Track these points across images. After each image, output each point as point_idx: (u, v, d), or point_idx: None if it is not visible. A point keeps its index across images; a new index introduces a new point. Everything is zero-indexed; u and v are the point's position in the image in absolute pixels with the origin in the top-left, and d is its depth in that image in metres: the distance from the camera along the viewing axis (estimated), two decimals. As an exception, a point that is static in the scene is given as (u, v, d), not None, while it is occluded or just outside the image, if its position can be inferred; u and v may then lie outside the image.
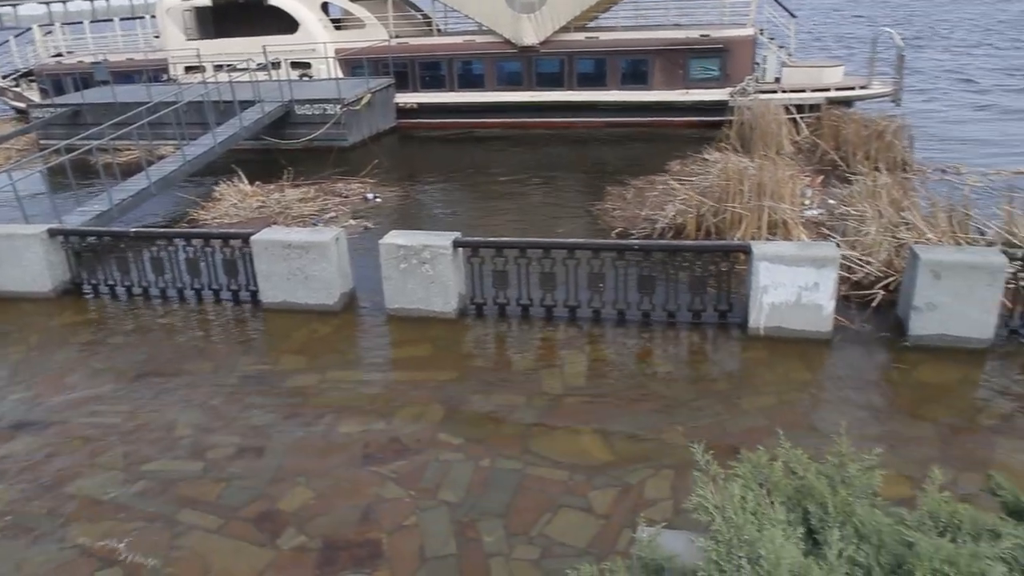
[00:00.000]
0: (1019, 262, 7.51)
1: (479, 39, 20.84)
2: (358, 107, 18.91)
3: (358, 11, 22.00)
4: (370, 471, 6.27)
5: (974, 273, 7.27)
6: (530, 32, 19.80)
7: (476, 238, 9.10)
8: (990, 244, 8.64)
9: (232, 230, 11.17)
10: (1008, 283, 7.52)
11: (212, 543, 5.55)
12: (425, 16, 23.99)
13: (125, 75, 22.79)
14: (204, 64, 21.06)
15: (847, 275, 8.55)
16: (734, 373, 7.63)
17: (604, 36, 20.48)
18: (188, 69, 22.15)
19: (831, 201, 11.53)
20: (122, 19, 30.86)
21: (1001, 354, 7.48)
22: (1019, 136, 17.73)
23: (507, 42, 20.18)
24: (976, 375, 7.22)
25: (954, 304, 7.36)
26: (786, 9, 20.62)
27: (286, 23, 21.53)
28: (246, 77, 19.07)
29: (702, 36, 19.34)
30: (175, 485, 6.21)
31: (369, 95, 19.40)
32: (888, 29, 20.04)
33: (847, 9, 58.85)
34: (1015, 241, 8.79)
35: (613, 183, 14.33)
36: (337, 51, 21.51)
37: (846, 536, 2.87)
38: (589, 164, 17.82)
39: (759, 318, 7.88)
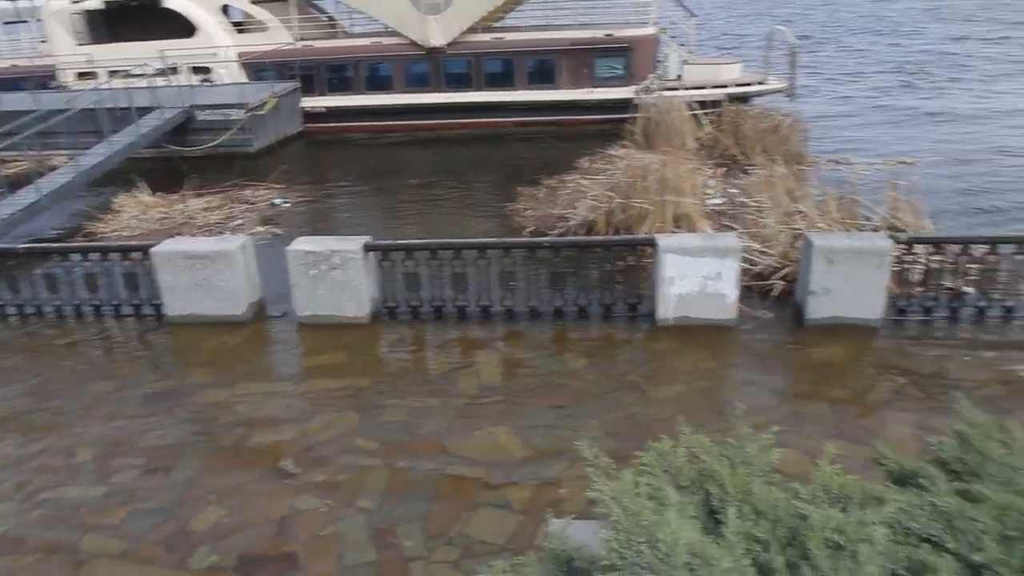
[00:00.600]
0: (903, 245, 7.95)
1: (386, 41, 20.68)
2: (263, 111, 18.49)
3: (260, 14, 21.49)
4: (285, 483, 6.15)
5: (863, 257, 7.67)
6: (437, 33, 19.76)
7: (386, 241, 9.03)
8: (877, 229, 9.12)
9: (132, 243, 10.75)
10: (894, 265, 7.96)
11: (119, 570, 5.34)
12: (330, 18, 23.64)
13: (9, 82, 21.61)
14: (97, 70, 20.17)
15: (749, 267, 8.87)
16: (645, 364, 7.83)
17: (511, 36, 20.64)
18: (81, 75, 21.18)
19: (733, 191, 11.94)
20: (5, 23, 29.21)
21: (890, 332, 7.92)
22: (903, 128, 18.75)
23: (414, 44, 20.08)
24: (868, 353, 7.62)
25: (846, 287, 7.74)
26: (686, 8, 21.23)
27: (184, 27, 20.85)
28: (144, 83, 18.38)
29: (607, 36, 19.71)
30: (77, 512, 5.95)
31: (274, 99, 18.99)
32: (781, 27, 20.84)
33: (745, 8, 60.95)
34: (899, 225, 9.32)
35: (525, 183, 14.44)
36: (240, 55, 20.96)
37: (744, 513, 2.99)
38: (500, 164, 17.92)
39: (667, 309, 8.10)
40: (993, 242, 7.86)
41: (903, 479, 3.42)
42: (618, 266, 8.50)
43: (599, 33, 19.87)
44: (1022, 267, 7.86)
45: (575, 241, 8.76)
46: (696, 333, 8.01)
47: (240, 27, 22.15)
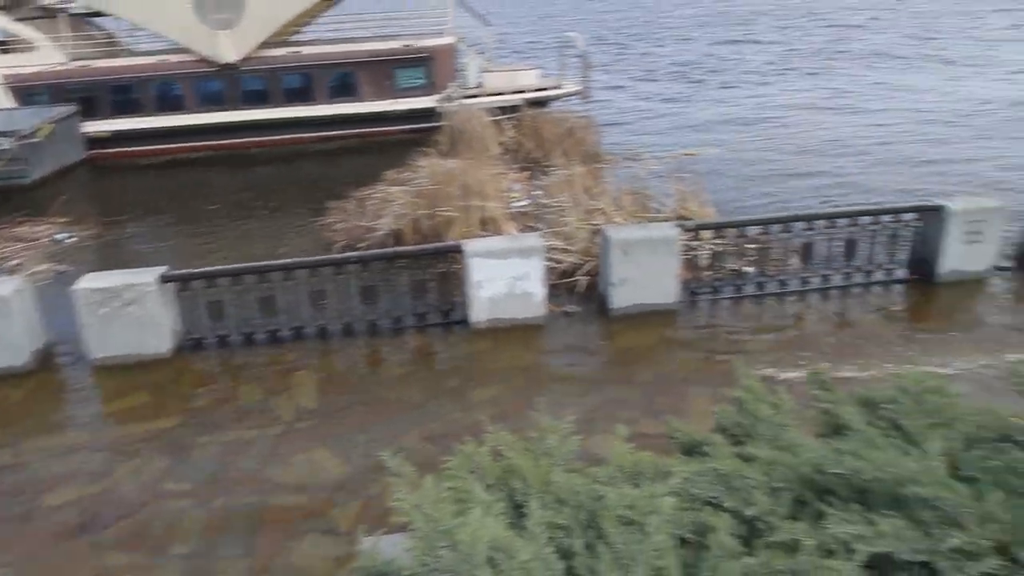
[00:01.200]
0: (690, 232, 8.60)
1: (174, 58, 19.53)
2: (37, 139, 16.88)
3: (26, 32, 19.59)
4: (87, 541, 5.67)
5: (656, 246, 8.21)
6: (229, 49, 18.94)
7: (185, 270, 8.55)
8: (667, 219, 9.79)
9: None
10: (684, 252, 8.59)
11: None
12: (108, 35, 21.99)
13: None
14: None
15: (555, 265, 9.23)
16: (462, 368, 7.94)
17: (308, 50, 20.17)
18: None
19: (536, 192, 12.37)
20: None
21: (686, 314, 8.54)
22: (690, 122, 20.25)
23: (205, 60, 19.14)
24: (667, 335, 8.18)
25: (643, 276, 8.26)
26: (481, 18, 21.71)
27: (-69, 49, 18.67)
28: None
29: (405, 46, 19.76)
30: None
31: (50, 125, 17.40)
32: (572, 33, 21.82)
33: (539, 15, 63.24)
34: (687, 214, 10.06)
35: (333, 197, 14.16)
36: (5, 77, 19.02)
37: (547, 503, 3.11)
38: (306, 180, 17.48)
39: (479, 312, 8.26)
40: (765, 223, 8.70)
41: (691, 449, 3.71)
42: (429, 274, 8.56)
43: (398, 44, 19.89)
44: (789, 244, 8.77)
45: (382, 253, 8.72)
46: (509, 333, 8.23)
47: (4, 47, 20.11)
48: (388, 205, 11.53)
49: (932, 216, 8.75)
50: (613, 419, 6.49)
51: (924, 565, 2.73)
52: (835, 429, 3.62)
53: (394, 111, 19.48)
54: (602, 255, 8.61)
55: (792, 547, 2.81)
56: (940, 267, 8.84)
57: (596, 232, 9.32)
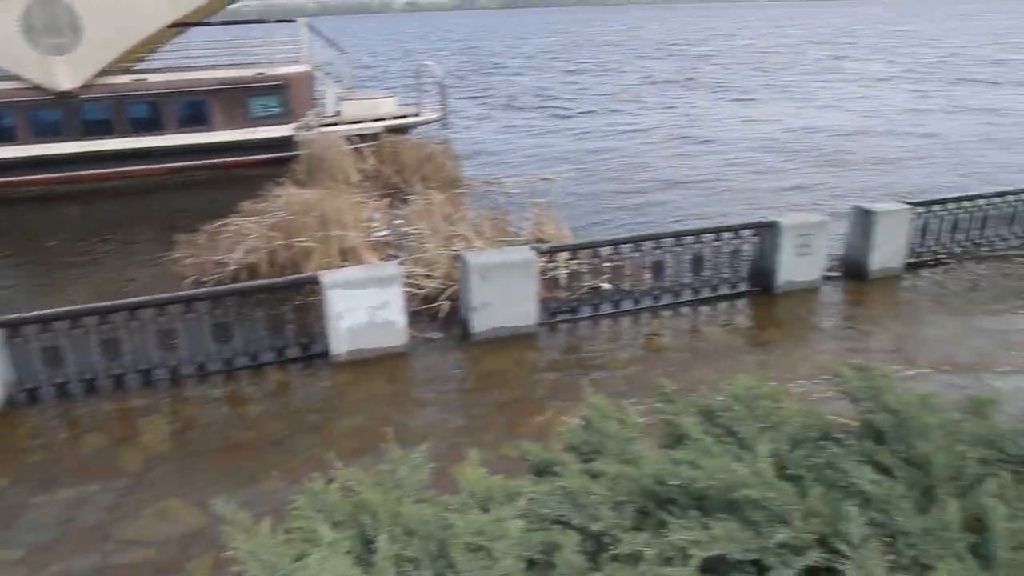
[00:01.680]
0: (546, 255, 8.80)
1: (2, 85, 18.16)
2: None
3: None
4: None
5: (514, 270, 8.35)
6: (65, 75, 17.80)
7: (15, 315, 7.91)
8: (524, 243, 9.99)
9: None
10: (542, 274, 8.78)
11: None
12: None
13: None
14: None
15: (416, 291, 9.20)
16: (323, 402, 7.74)
17: (155, 78, 19.28)
18: None
19: (397, 222, 12.31)
20: None
21: (546, 335, 8.72)
22: (548, 148, 20.81)
23: (38, 88, 17.90)
24: (529, 357, 8.31)
25: (502, 299, 8.37)
26: (337, 47, 21.49)
27: None
28: None
29: (259, 74, 19.27)
30: None
31: None
32: (428, 62, 22.00)
33: (407, 43, 63.39)
34: (544, 237, 10.30)
35: (184, 231, 13.55)
36: None
37: (396, 536, 3.07)
38: (157, 214, 16.66)
39: (339, 344, 8.10)
40: (616, 243, 9.04)
41: (542, 469, 3.77)
42: (287, 308, 8.32)
43: (251, 72, 19.37)
44: (641, 263, 9.14)
45: (234, 289, 8.39)
46: (371, 364, 8.12)
47: None
48: (242, 238, 11.14)
49: (767, 232, 9.38)
50: (475, 444, 6.53)
51: (755, 563, 2.89)
52: (677, 439, 3.77)
53: (248, 141, 18.92)
54: (462, 280, 8.67)
55: (636, 558, 2.90)
56: (777, 279, 9.47)
57: (457, 257, 9.37)
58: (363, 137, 17.94)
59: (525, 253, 8.60)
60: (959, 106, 27.69)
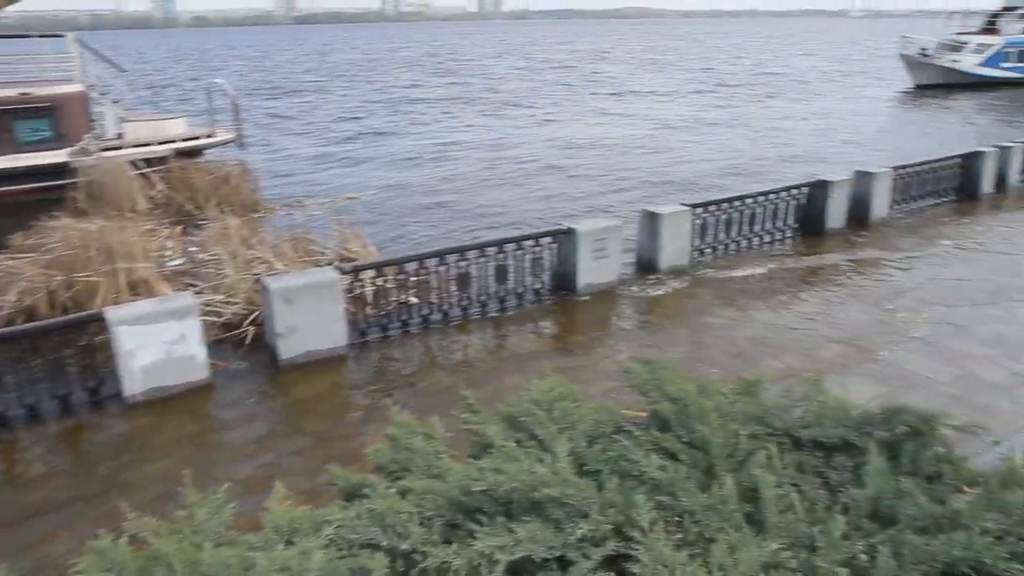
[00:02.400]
0: (351, 274, 8.68)
1: None
2: None
3: None
4: None
5: (318, 291, 8.16)
6: None
7: None
8: (330, 263, 9.80)
9: None
10: (349, 293, 8.65)
11: None
12: None
13: None
14: None
15: (216, 319, 8.75)
16: (118, 450, 7.14)
17: None
18: None
19: (192, 249, 11.65)
20: None
21: (357, 355, 8.60)
22: (350, 168, 20.55)
23: None
24: (341, 379, 8.16)
25: (310, 322, 8.15)
26: (114, 64, 19.99)
27: None
28: None
29: (24, 95, 17.50)
30: None
31: None
32: (219, 80, 21.02)
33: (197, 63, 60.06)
34: (350, 256, 10.15)
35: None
36: None
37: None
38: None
39: (133, 384, 7.53)
40: (421, 258, 9.08)
41: (352, 493, 3.71)
42: (71, 350, 7.61)
43: (14, 92, 17.55)
44: (447, 276, 9.25)
45: (2, 334, 7.53)
46: (171, 402, 7.60)
47: None
48: (13, 278, 10.05)
49: (565, 238, 9.82)
50: (288, 474, 6.31)
51: (559, 560, 3.01)
52: (484, 448, 3.86)
53: (15, 168, 17.11)
54: (265, 305, 8.35)
55: (444, 571, 2.93)
56: (579, 282, 9.93)
57: (258, 281, 9.02)
58: (150, 161, 16.76)
59: (329, 273, 8.44)
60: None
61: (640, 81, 48.41)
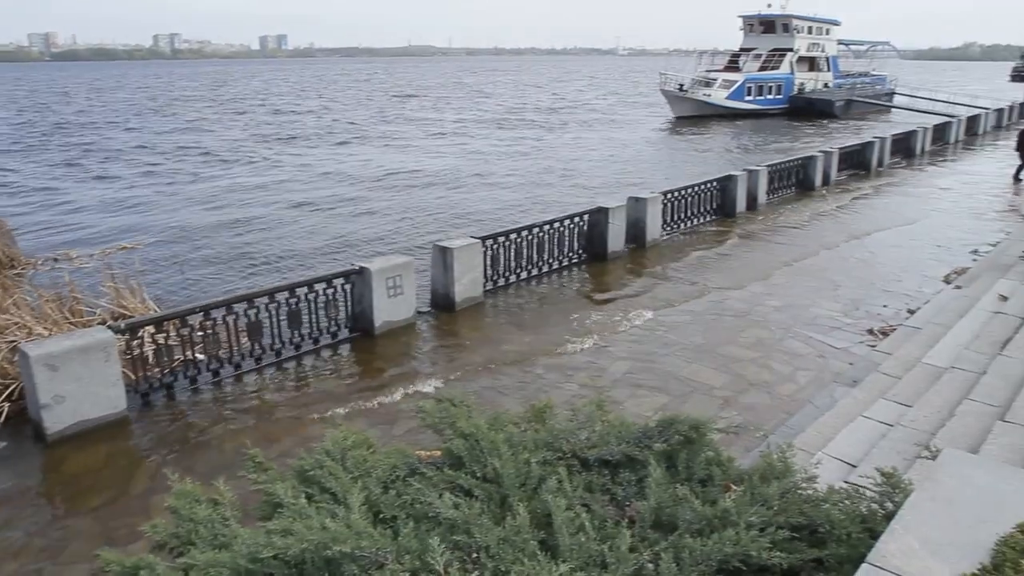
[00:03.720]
0: (126, 333, 7.99)
1: None
2: None
3: None
4: None
5: (87, 355, 7.43)
6: None
7: None
8: (103, 322, 8.99)
9: None
10: (125, 353, 7.96)
11: None
12: None
13: None
14: None
15: (-33, 397, 7.71)
16: None
17: None
18: None
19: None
20: None
21: (140, 420, 7.91)
22: (123, 215, 19.03)
23: None
24: (121, 447, 7.45)
25: (81, 389, 7.40)
26: None
27: None
28: None
29: None
30: None
31: None
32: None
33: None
34: (126, 312, 9.37)
35: None
36: None
37: None
38: None
39: None
40: (207, 309, 8.55)
41: (131, 577, 3.39)
42: None
43: None
44: (236, 325, 8.77)
45: None
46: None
47: None
48: None
49: (359, 278, 9.69)
50: (62, 566, 5.68)
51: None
52: (274, 508, 3.68)
53: None
54: (24, 376, 7.46)
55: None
56: (376, 321, 9.82)
57: (15, 350, 8.08)
58: None
59: (99, 334, 7.71)
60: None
61: (430, 115, 49.24)
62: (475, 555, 3.12)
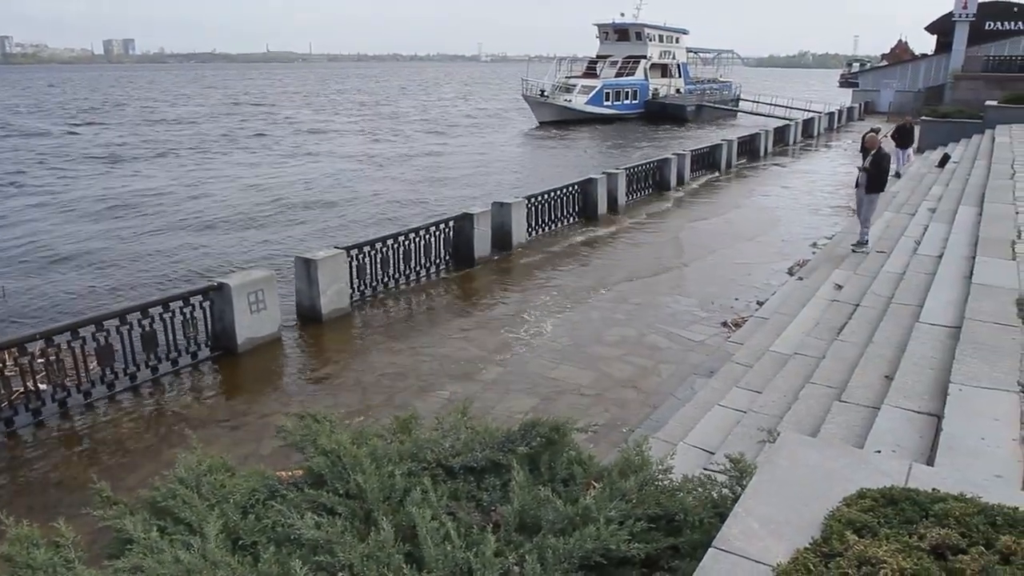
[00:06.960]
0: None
1: None
2: None
3: None
4: None
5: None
6: None
7: None
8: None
9: None
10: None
11: None
12: None
13: None
14: None
15: None
16: None
17: None
18: None
19: None
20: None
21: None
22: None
23: None
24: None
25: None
26: None
27: None
28: None
29: None
30: None
31: None
32: None
33: None
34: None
35: None
36: None
37: None
38: None
39: None
40: (48, 335, 7.93)
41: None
42: None
43: None
44: (85, 350, 8.20)
45: None
46: None
47: None
48: None
49: (218, 294, 9.29)
50: None
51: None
52: (124, 545, 3.48)
53: None
54: None
55: None
56: (239, 338, 9.44)
57: None
58: None
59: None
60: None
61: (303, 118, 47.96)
62: (339, 574, 3.06)
